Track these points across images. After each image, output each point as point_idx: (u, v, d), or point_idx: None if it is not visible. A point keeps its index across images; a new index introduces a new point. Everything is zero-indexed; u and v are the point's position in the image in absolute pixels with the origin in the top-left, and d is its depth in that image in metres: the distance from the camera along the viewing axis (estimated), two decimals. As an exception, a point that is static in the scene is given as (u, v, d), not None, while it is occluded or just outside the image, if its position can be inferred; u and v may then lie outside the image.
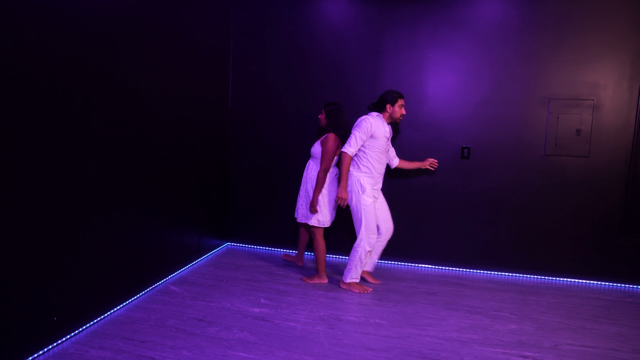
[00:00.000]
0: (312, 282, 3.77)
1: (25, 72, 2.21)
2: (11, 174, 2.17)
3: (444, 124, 4.24)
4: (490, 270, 4.29)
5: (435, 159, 4.25)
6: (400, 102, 3.60)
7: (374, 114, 3.62)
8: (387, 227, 3.79)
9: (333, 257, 4.61)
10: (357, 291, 3.64)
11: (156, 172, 3.41)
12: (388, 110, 3.60)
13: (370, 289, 3.68)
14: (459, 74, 4.19)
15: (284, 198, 4.64)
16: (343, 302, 3.43)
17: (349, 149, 3.52)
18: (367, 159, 3.59)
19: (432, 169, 4.04)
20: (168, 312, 3.09)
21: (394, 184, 4.38)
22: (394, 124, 4.11)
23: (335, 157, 3.72)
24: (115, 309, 3.02)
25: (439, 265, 4.39)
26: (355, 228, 3.65)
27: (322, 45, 4.45)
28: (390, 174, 4.36)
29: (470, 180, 4.23)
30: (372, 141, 3.56)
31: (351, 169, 3.63)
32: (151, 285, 3.46)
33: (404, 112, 3.63)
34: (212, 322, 2.97)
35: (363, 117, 3.59)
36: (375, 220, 3.62)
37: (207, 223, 4.36)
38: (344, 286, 3.70)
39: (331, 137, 3.66)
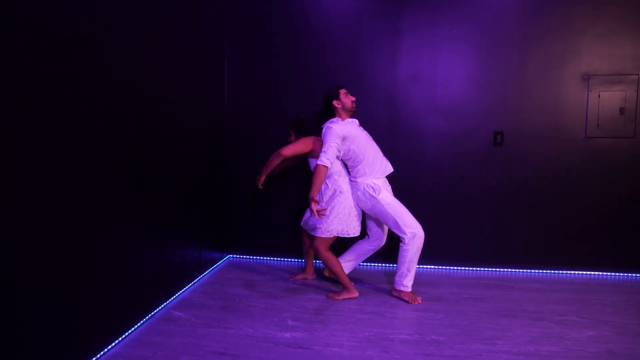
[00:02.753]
0: (340, 298, 3.20)
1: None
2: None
3: (472, 108, 3.79)
4: (532, 269, 3.85)
5: (465, 147, 3.80)
6: (342, 90, 3.23)
7: (333, 120, 3.22)
8: (380, 232, 3.44)
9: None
10: (408, 299, 3.14)
11: (149, 181, 2.76)
12: (337, 105, 3.22)
13: (420, 298, 3.17)
14: (486, 52, 3.75)
15: (289, 204, 4.05)
16: (385, 317, 2.88)
17: (324, 159, 3.08)
18: (359, 160, 3.18)
19: None
20: (178, 346, 2.44)
21: (419, 179, 3.88)
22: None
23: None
24: (109, 348, 2.35)
25: (474, 267, 3.91)
26: (394, 231, 3.18)
27: (332, 26, 3.90)
28: (413, 167, 3.87)
29: (505, 170, 3.78)
30: (351, 143, 3.15)
31: (354, 178, 3.24)
32: (150, 313, 2.79)
33: (352, 97, 3.25)
34: (237, 356, 2.35)
35: (325, 127, 3.21)
36: (407, 210, 3.18)
37: (207, 234, 3.71)
38: (394, 293, 3.23)
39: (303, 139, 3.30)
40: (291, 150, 3.19)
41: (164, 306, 2.96)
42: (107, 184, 2.31)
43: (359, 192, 3.21)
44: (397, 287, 3.19)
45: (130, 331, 2.55)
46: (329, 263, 3.20)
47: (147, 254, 2.76)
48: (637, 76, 3.56)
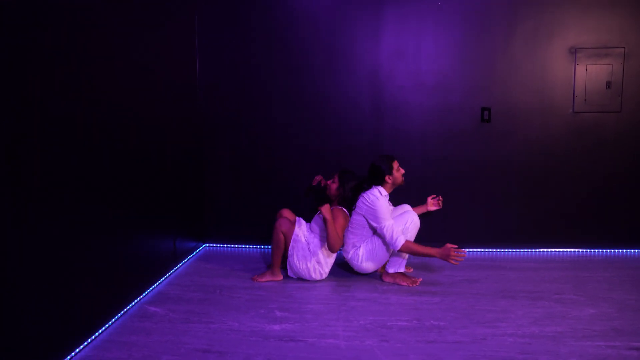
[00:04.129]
0: (263, 280, 3.09)
1: None
2: None
3: (458, 83, 3.63)
4: (522, 248, 3.76)
5: (452, 124, 3.66)
6: (396, 165, 3.07)
7: (383, 192, 3.02)
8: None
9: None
10: (405, 284, 2.99)
11: (117, 166, 2.46)
12: (388, 181, 3.05)
13: (420, 279, 3.04)
14: (473, 25, 3.59)
15: (269, 187, 3.80)
16: (379, 304, 2.70)
17: (402, 237, 2.88)
18: (369, 234, 3.07)
19: (438, 207, 3.36)
20: (157, 345, 2.18)
21: (405, 158, 3.69)
22: None
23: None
24: (75, 352, 2.06)
25: (464, 248, 3.72)
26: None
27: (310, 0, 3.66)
28: (398, 146, 3.70)
29: (492, 147, 3.66)
30: None
31: (349, 244, 3.11)
32: (122, 309, 2.50)
33: (402, 170, 3.10)
34: (223, 353, 2.12)
35: (373, 196, 2.98)
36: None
37: (182, 222, 3.43)
38: (387, 279, 3.05)
39: (341, 212, 3.06)
40: (339, 242, 2.99)
41: (137, 301, 2.67)
42: (71, 170, 2.01)
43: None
44: (391, 270, 3.02)
45: (100, 331, 2.27)
46: (277, 242, 3.06)
47: (117, 244, 2.46)
48: (623, 49, 3.49)
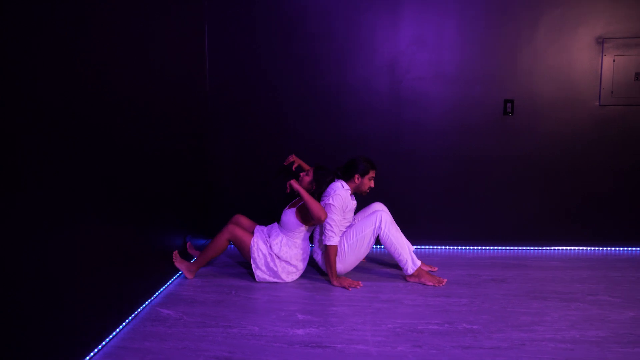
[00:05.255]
0: (177, 263, 2.90)
1: None
2: None
3: (480, 74, 3.47)
4: (547, 246, 3.62)
5: (473, 116, 3.50)
6: (372, 174, 3.00)
7: (345, 186, 2.94)
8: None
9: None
10: (431, 284, 2.85)
11: (126, 161, 2.28)
12: (356, 181, 2.99)
13: (446, 280, 2.90)
14: (495, 13, 3.43)
15: (278, 185, 3.63)
16: (406, 306, 2.55)
17: (335, 239, 2.83)
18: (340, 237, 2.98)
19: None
20: (173, 352, 2.01)
21: (424, 151, 3.55)
22: None
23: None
24: None
25: (485, 246, 3.64)
26: None
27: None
28: (417, 139, 3.54)
29: (515, 141, 3.51)
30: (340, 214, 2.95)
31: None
32: (133, 312, 2.33)
33: (372, 185, 3.03)
34: (247, 361, 1.96)
35: (333, 191, 2.89)
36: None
37: (192, 219, 3.25)
38: (412, 280, 2.90)
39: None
40: (314, 206, 2.79)
41: (148, 303, 2.50)
42: (75, 170, 1.83)
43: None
44: (410, 272, 2.86)
45: (111, 336, 2.09)
46: (215, 247, 2.91)
47: (131, 245, 2.29)
48: (654, 39, 3.36)
